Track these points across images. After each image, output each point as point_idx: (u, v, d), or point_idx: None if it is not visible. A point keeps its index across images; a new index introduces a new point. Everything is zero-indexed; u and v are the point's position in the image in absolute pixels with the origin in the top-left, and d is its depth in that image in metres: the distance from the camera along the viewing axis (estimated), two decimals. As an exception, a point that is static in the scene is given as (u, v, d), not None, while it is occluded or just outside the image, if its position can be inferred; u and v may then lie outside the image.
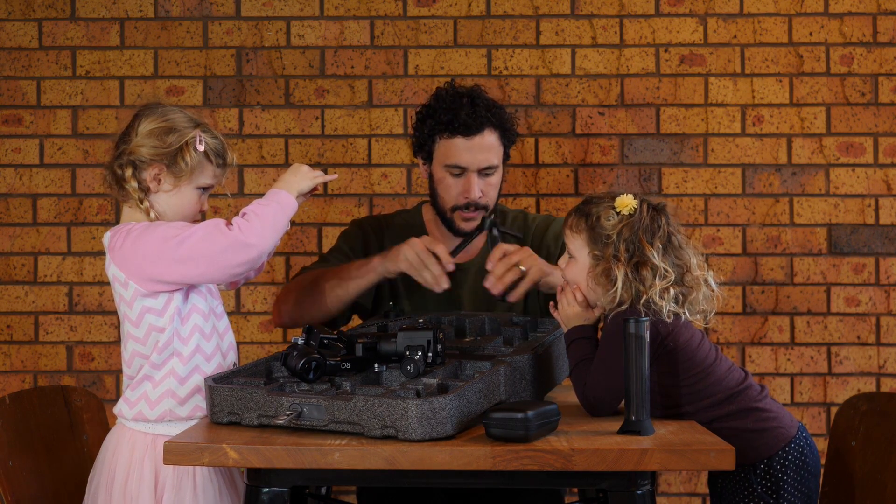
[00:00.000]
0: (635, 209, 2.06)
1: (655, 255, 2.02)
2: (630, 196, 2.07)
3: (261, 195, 3.35)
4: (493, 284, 2.37)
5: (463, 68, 3.34)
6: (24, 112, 3.36)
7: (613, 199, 2.08)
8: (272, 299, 3.34)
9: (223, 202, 3.33)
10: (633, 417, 1.89)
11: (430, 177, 2.66)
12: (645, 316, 1.97)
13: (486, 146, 2.58)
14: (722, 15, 3.33)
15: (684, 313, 2.03)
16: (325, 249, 3.33)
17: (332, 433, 1.84)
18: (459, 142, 2.56)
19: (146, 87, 3.35)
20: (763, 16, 3.32)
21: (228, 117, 3.34)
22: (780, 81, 3.32)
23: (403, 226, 2.73)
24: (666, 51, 3.33)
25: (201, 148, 2.14)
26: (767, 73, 3.32)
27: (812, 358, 3.31)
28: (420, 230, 2.72)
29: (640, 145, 3.33)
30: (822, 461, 2.88)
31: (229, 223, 2.10)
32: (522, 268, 2.38)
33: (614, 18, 3.34)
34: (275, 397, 1.87)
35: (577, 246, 2.11)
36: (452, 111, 2.56)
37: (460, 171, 2.58)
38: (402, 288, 2.66)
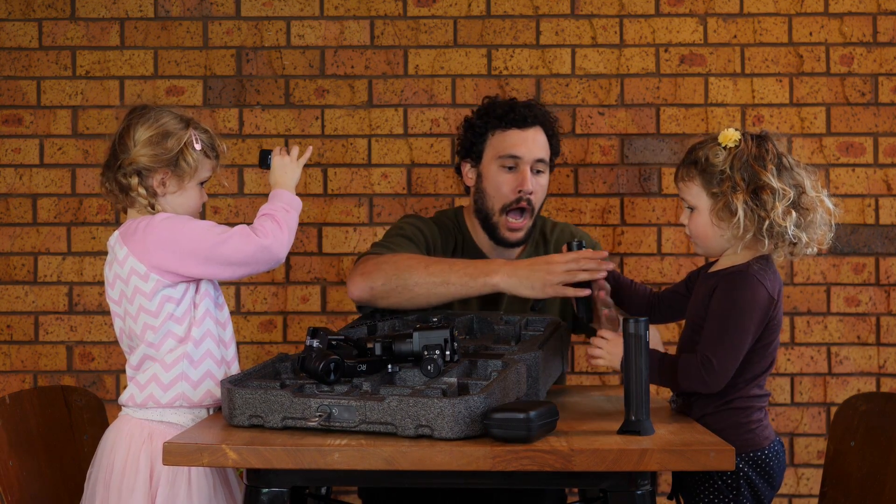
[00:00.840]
0: (740, 140, 2.11)
1: (772, 178, 2.08)
2: (732, 129, 2.13)
3: (261, 195, 3.36)
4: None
5: (463, 68, 3.34)
6: (24, 112, 3.36)
7: (714, 138, 2.13)
8: (272, 300, 3.34)
9: (223, 202, 3.33)
10: (633, 417, 1.89)
11: (479, 178, 2.66)
12: (770, 245, 2.06)
13: (539, 141, 2.62)
14: (722, 15, 3.33)
15: (803, 236, 2.08)
16: (326, 249, 3.34)
17: (361, 434, 1.84)
18: (514, 133, 2.61)
19: (146, 87, 3.35)
20: (763, 16, 3.32)
21: (228, 117, 3.34)
22: (780, 81, 3.32)
23: (451, 232, 2.70)
24: (666, 51, 3.33)
25: (199, 147, 2.22)
26: (767, 73, 3.32)
27: (812, 358, 3.31)
28: (466, 236, 2.70)
29: (640, 145, 3.33)
30: (822, 461, 2.88)
31: (253, 226, 2.20)
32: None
33: (614, 18, 3.34)
34: (301, 399, 1.87)
35: (694, 193, 2.15)
36: (508, 106, 2.63)
37: (514, 162, 2.59)
38: None
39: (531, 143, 2.60)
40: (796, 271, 3.31)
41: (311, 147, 2.38)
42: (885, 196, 3.31)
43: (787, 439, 3.29)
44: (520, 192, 2.58)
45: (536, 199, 2.61)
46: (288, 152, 2.31)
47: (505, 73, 3.34)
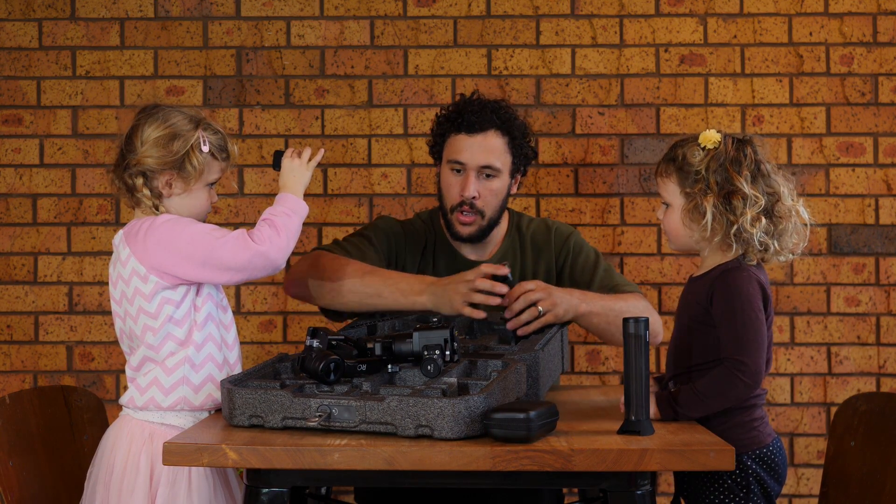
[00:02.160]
0: (719, 142, 2.11)
1: (745, 184, 2.08)
2: (713, 131, 2.13)
3: (260, 195, 3.36)
4: (513, 323, 2.34)
5: (463, 68, 3.34)
6: (24, 112, 3.36)
7: (696, 138, 2.14)
8: (272, 300, 3.34)
9: (223, 202, 3.33)
10: (633, 417, 1.89)
11: (438, 177, 2.70)
12: (738, 249, 2.07)
13: (487, 146, 2.61)
14: (722, 15, 3.33)
15: (773, 244, 2.08)
16: (325, 249, 3.34)
17: (361, 434, 1.84)
18: (462, 138, 2.61)
19: (146, 87, 3.35)
20: (763, 16, 3.32)
21: (228, 117, 3.34)
22: (780, 81, 3.32)
23: (424, 232, 2.73)
24: (666, 51, 3.33)
25: (206, 149, 2.19)
26: (767, 73, 3.32)
27: (812, 358, 3.31)
28: (440, 235, 2.73)
29: (640, 145, 3.33)
30: (822, 461, 2.89)
31: (251, 231, 2.17)
32: (540, 308, 2.36)
33: (614, 18, 3.34)
34: (301, 399, 1.87)
35: (670, 191, 2.16)
36: (460, 109, 2.63)
37: (460, 167, 2.61)
38: None
39: (477, 149, 2.60)
40: (796, 271, 3.31)
41: (322, 150, 2.36)
42: (885, 196, 3.31)
43: (787, 439, 3.29)
44: (462, 196, 2.60)
45: (484, 203, 2.62)
46: (300, 154, 2.29)
47: (505, 73, 3.34)
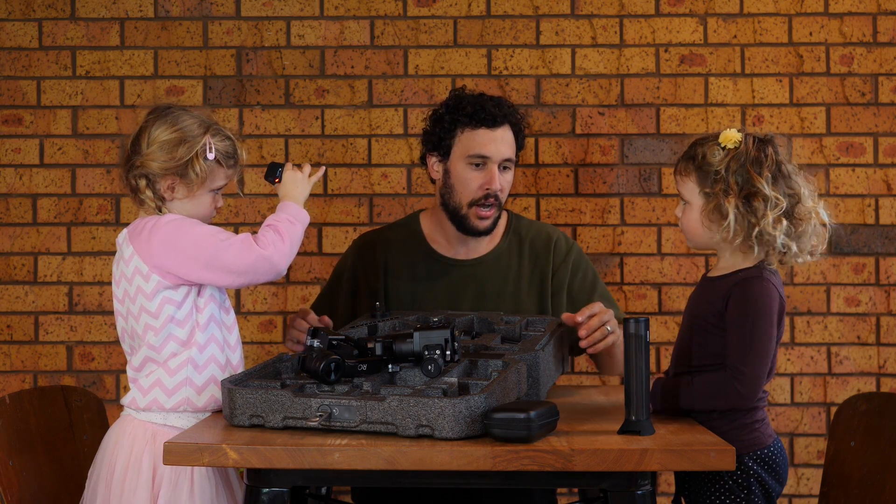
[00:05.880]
0: (740, 142, 2.09)
1: (765, 185, 2.05)
2: (734, 130, 2.10)
3: (260, 195, 3.35)
4: (587, 342, 2.39)
5: (463, 68, 3.34)
6: (24, 112, 3.36)
7: (716, 136, 2.11)
8: (272, 300, 3.34)
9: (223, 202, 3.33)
10: (633, 417, 1.89)
11: (446, 174, 2.67)
12: (760, 252, 2.05)
13: (507, 140, 2.64)
14: (722, 15, 3.33)
15: (793, 246, 2.06)
16: (326, 249, 3.34)
17: (362, 434, 1.84)
18: (484, 132, 2.61)
19: (146, 87, 3.35)
20: (763, 16, 3.32)
21: (228, 117, 3.34)
22: (780, 81, 3.32)
23: (398, 239, 2.75)
24: (666, 51, 3.33)
25: (211, 156, 2.19)
26: (767, 73, 3.32)
27: (812, 358, 3.31)
28: (419, 239, 2.74)
29: (640, 145, 3.33)
30: (822, 461, 2.89)
31: (255, 236, 2.17)
32: (609, 328, 2.40)
33: (614, 18, 3.34)
34: (302, 399, 1.87)
35: (689, 189, 2.13)
36: (478, 104, 2.63)
37: (482, 161, 2.61)
38: (402, 287, 2.70)
39: (500, 142, 2.62)
40: (796, 271, 3.32)
41: (324, 167, 2.37)
42: (885, 196, 3.31)
43: (787, 439, 3.29)
44: (487, 189, 2.61)
45: (503, 195, 2.66)
46: (301, 168, 2.30)
47: (505, 73, 3.34)
